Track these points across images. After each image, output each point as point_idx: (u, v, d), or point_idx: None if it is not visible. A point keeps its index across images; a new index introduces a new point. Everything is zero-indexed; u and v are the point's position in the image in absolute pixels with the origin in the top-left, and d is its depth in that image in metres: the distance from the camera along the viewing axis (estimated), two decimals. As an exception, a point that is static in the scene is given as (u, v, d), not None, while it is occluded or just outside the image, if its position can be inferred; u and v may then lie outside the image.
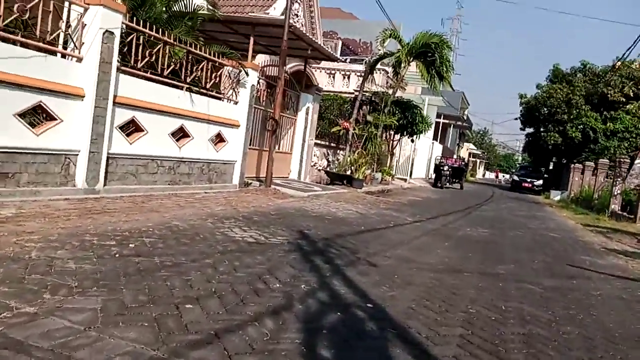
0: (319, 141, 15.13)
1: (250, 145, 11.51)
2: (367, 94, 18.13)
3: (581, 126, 32.21)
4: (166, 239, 4.75)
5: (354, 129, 15.71)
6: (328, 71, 21.61)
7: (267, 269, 4.23)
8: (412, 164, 25.64)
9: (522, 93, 36.00)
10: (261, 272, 4.10)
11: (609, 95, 31.68)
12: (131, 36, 7.22)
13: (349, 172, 15.06)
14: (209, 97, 9.71)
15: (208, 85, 9.66)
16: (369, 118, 16.75)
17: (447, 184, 24.45)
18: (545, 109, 33.86)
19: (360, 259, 5.23)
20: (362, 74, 19.00)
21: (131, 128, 7.58)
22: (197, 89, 9.25)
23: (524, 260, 6.74)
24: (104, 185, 6.91)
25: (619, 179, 19.35)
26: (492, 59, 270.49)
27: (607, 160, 24.32)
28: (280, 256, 4.81)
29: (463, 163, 27.59)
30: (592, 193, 22.97)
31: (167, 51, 8.11)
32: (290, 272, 4.25)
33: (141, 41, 7.42)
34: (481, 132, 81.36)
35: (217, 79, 10.01)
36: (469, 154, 57.89)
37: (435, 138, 33.81)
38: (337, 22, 31.40)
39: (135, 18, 7.37)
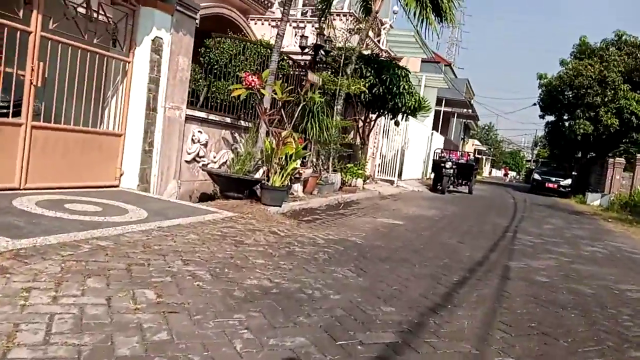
0: (205, 114, 7.60)
1: None
2: (314, 39, 10.52)
3: (615, 111, 24.34)
4: None
5: (275, 92, 8.01)
6: (274, 22, 14.06)
7: None
8: (403, 160, 17.98)
9: (542, 73, 28.00)
10: None
11: (655, 71, 23.86)
12: None
13: (259, 174, 7.48)
14: None
15: None
16: (313, 78, 9.12)
17: (451, 186, 16.73)
18: (571, 92, 25.87)
19: None
20: (319, 24, 11.42)
21: None
22: None
23: None
24: None
25: None
26: (497, 47, 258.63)
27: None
28: None
29: (472, 158, 19.63)
30: (657, 198, 15.33)
31: None
32: None
33: None
34: (486, 127, 73.83)
35: None
36: (475, 150, 49.92)
37: (435, 129, 26.09)
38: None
39: None
